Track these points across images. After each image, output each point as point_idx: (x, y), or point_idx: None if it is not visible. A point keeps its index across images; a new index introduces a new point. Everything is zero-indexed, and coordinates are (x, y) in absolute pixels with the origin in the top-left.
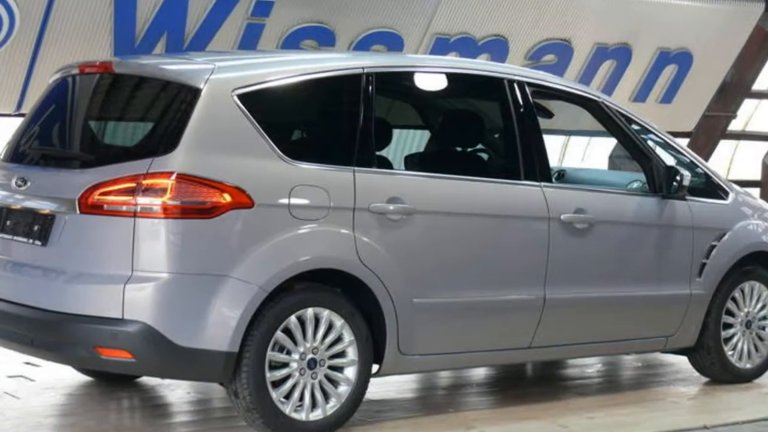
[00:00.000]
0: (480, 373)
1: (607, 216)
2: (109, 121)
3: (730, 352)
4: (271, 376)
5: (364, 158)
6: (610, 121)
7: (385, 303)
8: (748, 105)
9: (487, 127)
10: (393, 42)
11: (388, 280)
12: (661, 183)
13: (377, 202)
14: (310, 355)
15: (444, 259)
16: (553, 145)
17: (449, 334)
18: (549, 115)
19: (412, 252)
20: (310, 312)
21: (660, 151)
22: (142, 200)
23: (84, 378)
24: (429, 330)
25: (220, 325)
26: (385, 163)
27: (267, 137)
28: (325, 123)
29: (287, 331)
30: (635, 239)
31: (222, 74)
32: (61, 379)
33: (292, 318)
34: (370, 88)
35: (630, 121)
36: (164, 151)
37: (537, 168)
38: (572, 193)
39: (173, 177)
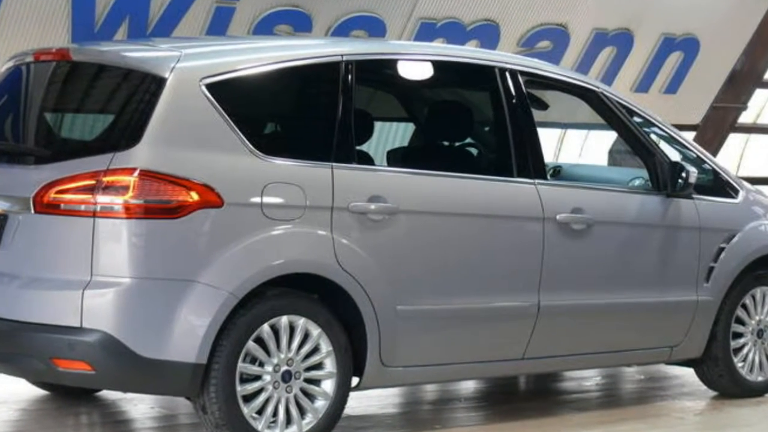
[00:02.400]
0: (469, 386)
1: (607, 216)
2: (66, 113)
3: (740, 364)
4: (242, 389)
5: (343, 153)
6: (609, 113)
7: (366, 310)
8: (759, 95)
9: (477, 120)
10: (374, 27)
11: (369, 285)
12: (666, 180)
13: (357, 200)
14: (284, 367)
15: (430, 263)
16: (548, 139)
17: (435, 344)
18: (544, 106)
19: (396, 255)
20: (284, 320)
21: (664, 146)
22: (102, 199)
23: (39, 392)
24: (414, 340)
25: (187, 335)
26: (366, 159)
27: (238, 130)
28: (301, 115)
29: (260, 341)
30: (637, 241)
31: (189, 62)
32: (14, 393)
33: (265, 327)
34: (350, 77)
35: (631, 112)
36: (126, 145)
37: (530, 164)
38: (569, 191)
39: (136, 173)
